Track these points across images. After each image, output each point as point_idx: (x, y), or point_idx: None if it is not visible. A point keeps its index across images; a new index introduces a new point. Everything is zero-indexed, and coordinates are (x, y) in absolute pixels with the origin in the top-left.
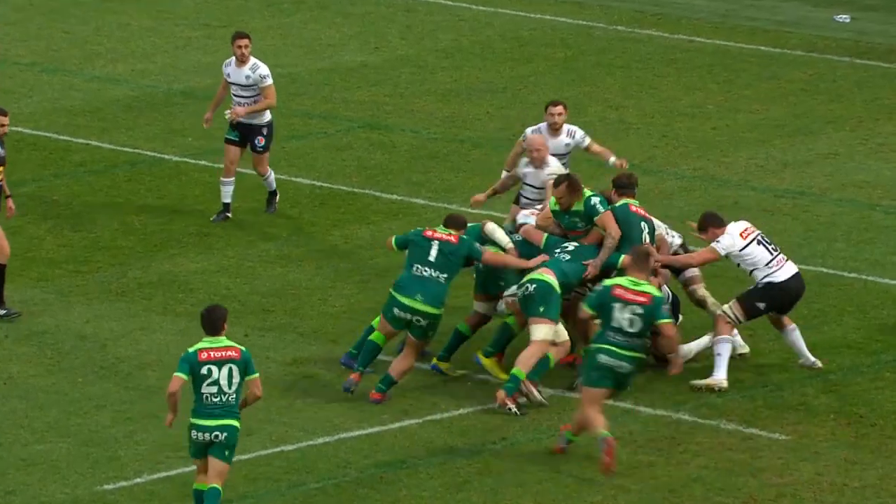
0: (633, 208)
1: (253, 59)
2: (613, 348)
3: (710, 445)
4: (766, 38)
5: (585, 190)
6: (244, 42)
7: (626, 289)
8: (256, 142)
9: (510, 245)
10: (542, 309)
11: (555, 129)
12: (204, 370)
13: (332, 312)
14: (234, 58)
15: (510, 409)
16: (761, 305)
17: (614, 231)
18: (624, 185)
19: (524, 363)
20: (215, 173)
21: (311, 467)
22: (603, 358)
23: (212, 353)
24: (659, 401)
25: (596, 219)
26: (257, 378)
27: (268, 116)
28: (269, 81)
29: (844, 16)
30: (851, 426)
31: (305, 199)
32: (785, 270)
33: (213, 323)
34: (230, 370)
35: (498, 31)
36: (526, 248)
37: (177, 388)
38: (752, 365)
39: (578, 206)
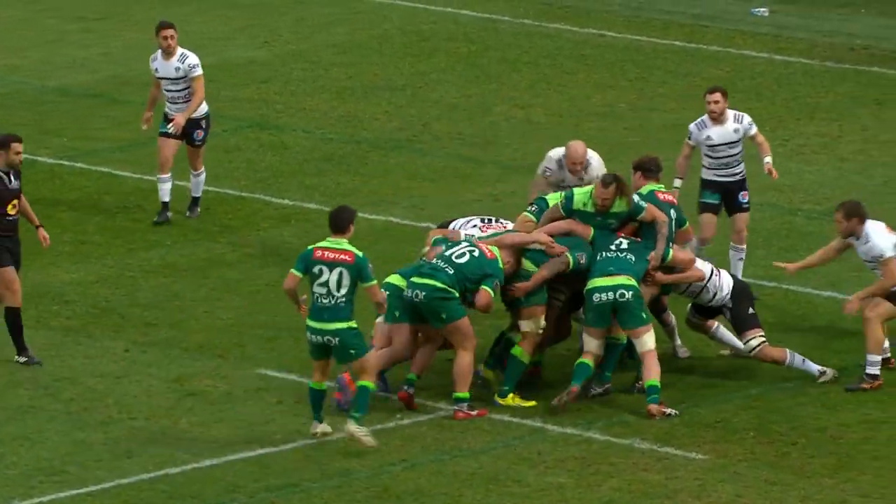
0: (661, 195)
1: (181, 50)
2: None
3: (623, 466)
4: (682, 32)
5: None
6: (169, 32)
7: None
8: (195, 135)
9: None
10: (644, 316)
11: (715, 118)
12: (315, 269)
13: (219, 326)
14: (160, 51)
15: (670, 413)
16: (752, 310)
17: (663, 218)
18: (651, 168)
19: (653, 374)
20: (92, 177)
21: (197, 492)
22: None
23: (326, 254)
24: (568, 419)
25: (641, 216)
26: (373, 285)
27: (205, 108)
28: (199, 72)
29: (763, 9)
30: (772, 445)
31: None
32: (724, 274)
33: (338, 221)
34: (340, 273)
35: (396, 25)
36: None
37: (291, 285)
38: (667, 382)
39: (620, 208)
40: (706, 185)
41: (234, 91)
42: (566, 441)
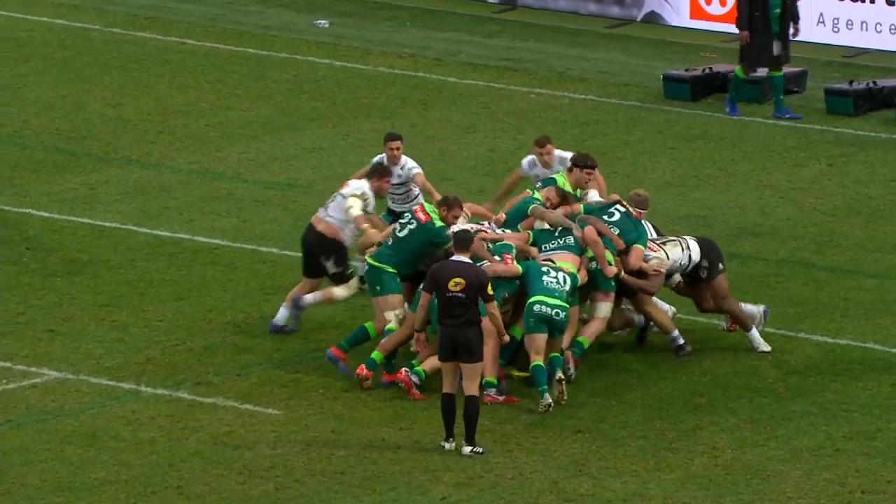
0: None
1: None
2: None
3: (207, 421)
4: (254, 41)
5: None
6: (396, 144)
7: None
8: None
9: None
10: (612, 283)
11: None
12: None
13: None
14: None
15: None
16: (721, 266)
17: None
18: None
19: (590, 336)
20: None
21: None
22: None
23: None
24: (159, 380)
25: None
26: None
27: None
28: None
29: (323, 21)
30: (337, 400)
31: None
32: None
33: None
34: None
35: None
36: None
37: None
38: (245, 348)
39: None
40: None
41: None
42: (157, 401)
